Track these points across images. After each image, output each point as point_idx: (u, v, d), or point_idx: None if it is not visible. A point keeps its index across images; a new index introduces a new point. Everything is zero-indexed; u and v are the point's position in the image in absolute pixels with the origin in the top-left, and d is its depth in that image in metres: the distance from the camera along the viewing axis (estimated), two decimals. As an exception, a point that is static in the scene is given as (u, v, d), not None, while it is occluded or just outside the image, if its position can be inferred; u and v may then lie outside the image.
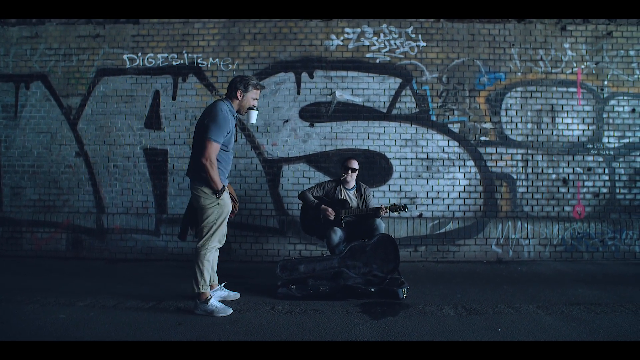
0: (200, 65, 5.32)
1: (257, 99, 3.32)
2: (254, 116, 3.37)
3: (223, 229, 3.26)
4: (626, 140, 5.33)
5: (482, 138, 5.27)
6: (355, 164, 4.27)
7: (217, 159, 3.11)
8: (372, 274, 3.92)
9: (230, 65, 5.32)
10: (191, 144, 5.18)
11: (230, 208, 3.29)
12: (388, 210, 4.08)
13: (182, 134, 5.30)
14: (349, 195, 4.34)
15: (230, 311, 3.17)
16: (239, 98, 3.24)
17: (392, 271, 3.95)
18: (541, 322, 3.01)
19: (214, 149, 3.04)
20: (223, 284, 3.59)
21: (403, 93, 5.28)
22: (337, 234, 4.07)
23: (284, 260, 3.93)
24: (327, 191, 4.35)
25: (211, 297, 3.19)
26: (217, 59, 5.33)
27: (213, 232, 3.18)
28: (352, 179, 4.32)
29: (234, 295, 3.56)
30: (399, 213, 4.28)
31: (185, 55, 5.33)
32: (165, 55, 5.33)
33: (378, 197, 5.20)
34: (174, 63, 5.33)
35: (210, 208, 3.15)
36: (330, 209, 4.16)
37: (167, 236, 5.20)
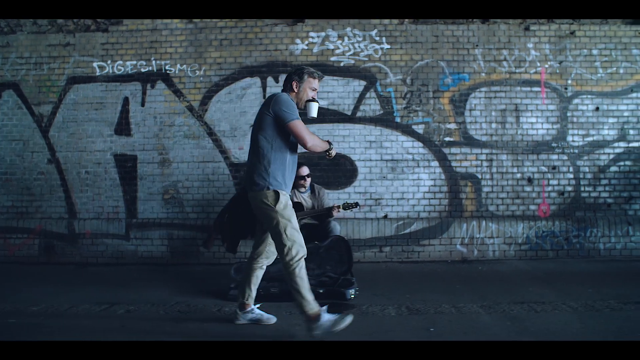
0: (168, 71, 5.42)
1: (316, 89, 2.94)
2: (314, 109, 2.90)
3: (297, 228, 2.82)
4: (590, 139, 5.36)
5: (447, 138, 5.32)
6: (305, 171, 4.36)
7: (276, 161, 2.77)
8: (325, 275, 3.99)
9: (197, 72, 5.41)
10: (160, 149, 5.38)
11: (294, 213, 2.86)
12: (341, 209, 4.17)
13: (151, 140, 5.40)
14: (304, 197, 4.42)
15: (350, 319, 2.67)
16: (295, 90, 2.88)
17: (346, 272, 4.01)
18: (477, 322, 3.06)
19: (300, 126, 2.71)
20: (258, 305, 3.14)
21: (367, 95, 5.34)
22: (292, 237, 4.13)
23: (239, 263, 4.02)
24: (284, 194, 4.42)
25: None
26: (185, 66, 5.42)
27: (291, 239, 2.73)
28: (308, 184, 4.41)
29: (268, 319, 3.07)
30: (351, 210, 4.35)
31: (154, 62, 5.43)
32: (134, 62, 5.43)
33: (344, 198, 5.27)
34: (142, 70, 5.43)
35: (274, 214, 2.73)
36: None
37: (137, 240, 5.30)
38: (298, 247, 2.73)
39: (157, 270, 4.92)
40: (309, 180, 4.42)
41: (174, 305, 3.55)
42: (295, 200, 4.38)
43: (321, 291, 3.66)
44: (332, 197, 5.27)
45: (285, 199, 2.78)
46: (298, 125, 2.72)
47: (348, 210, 4.29)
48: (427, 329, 2.92)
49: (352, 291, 3.66)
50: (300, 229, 4.17)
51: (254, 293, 3.09)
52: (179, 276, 4.61)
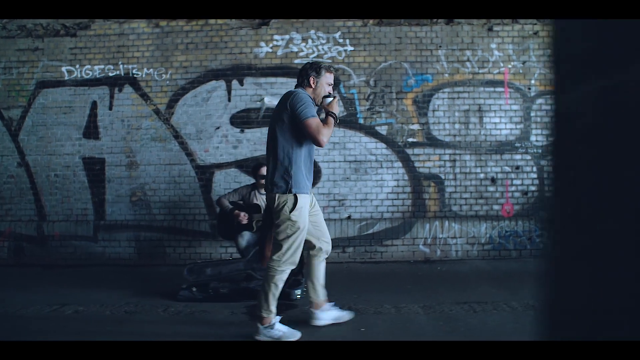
0: (135, 75, 5.49)
1: (331, 84, 2.90)
2: (335, 105, 2.87)
3: (301, 244, 2.84)
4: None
5: (410, 139, 5.35)
6: (265, 170, 4.40)
7: (297, 161, 2.75)
8: (278, 276, 4.04)
9: (164, 75, 5.48)
10: (128, 152, 5.45)
11: (307, 222, 2.85)
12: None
13: (118, 143, 5.47)
14: (264, 199, 4.46)
15: (299, 335, 2.79)
16: (313, 85, 2.83)
17: (297, 273, 4.06)
18: (411, 322, 3.11)
19: (315, 124, 2.64)
20: (333, 303, 3.13)
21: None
22: (244, 238, 4.20)
23: (192, 264, 4.08)
24: (242, 196, 4.49)
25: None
26: (152, 69, 5.49)
27: (288, 248, 2.75)
28: (266, 183, 4.45)
29: (349, 315, 3.09)
30: None
31: (121, 66, 5.51)
32: (102, 66, 5.51)
33: (307, 199, 5.32)
34: (110, 74, 5.51)
35: (286, 221, 2.73)
36: (242, 214, 4.30)
37: (104, 242, 5.38)
38: (293, 259, 2.77)
39: (122, 271, 4.99)
40: None
41: (123, 306, 3.62)
42: (255, 201, 4.44)
43: (268, 292, 3.72)
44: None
45: (303, 202, 2.76)
46: (313, 123, 2.64)
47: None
48: (359, 329, 2.97)
49: (298, 291, 3.71)
50: (257, 230, 4.26)
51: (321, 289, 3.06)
52: (140, 277, 4.68)
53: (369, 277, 4.54)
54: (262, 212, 4.38)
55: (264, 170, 4.37)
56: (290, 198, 2.72)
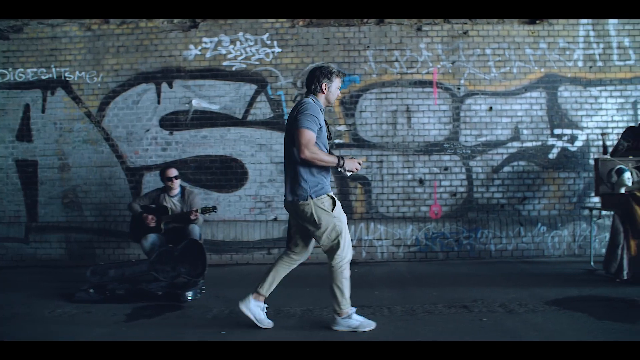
0: (67, 78, 5.55)
1: (339, 87, 3.00)
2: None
3: (349, 236, 2.94)
4: (483, 139, 5.31)
5: (337, 140, 5.33)
6: (172, 172, 4.44)
7: (312, 168, 2.79)
8: (180, 277, 4.06)
9: (95, 78, 5.53)
10: (60, 155, 5.51)
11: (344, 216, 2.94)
12: (199, 213, 4.25)
13: (51, 145, 5.53)
14: (173, 201, 4.49)
15: (374, 325, 2.92)
16: (325, 91, 2.90)
17: (200, 275, 4.08)
18: (285, 324, 3.11)
19: (307, 135, 2.68)
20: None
21: (258, 99, 5.39)
22: (149, 240, 4.23)
23: (95, 265, 4.12)
24: (153, 199, 4.51)
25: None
26: (84, 72, 5.54)
27: (343, 242, 2.86)
28: (176, 186, 4.48)
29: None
30: (209, 214, 4.40)
31: (54, 69, 5.57)
32: (35, 70, 5.57)
33: (234, 201, 5.33)
34: (43, 77, 5.57)
35: (327, 218, 2.81)
36: (150, 217, 4.33)
37: (36, 243, 5.44)
38: (350, 249, 2.92)
39: (48, 272, 5.04)
40: (177, 182, 4.49)
41: (16, 306, 3.65)
42: (165, 204, 4.46)
43: (160, 293, 3.75)
44: (224, 200, 5.35)
45: (336, 199, 2.88)
46: (305, 134, 2.68)
47: (207, 214, 4.36)
48: (219, 332, 2.97)
49: (190, 293, 3.72)
50: (165, 232, 4.29)
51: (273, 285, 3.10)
52: (60, 278, 4.69)
53: (283, 279, 4.51)
54: (170, 213, 4.40)
55: (170, 173, 4.41)
56: (326, 199, 2.83)
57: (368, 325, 2.92)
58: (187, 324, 3.18)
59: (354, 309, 2.96)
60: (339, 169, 2.83)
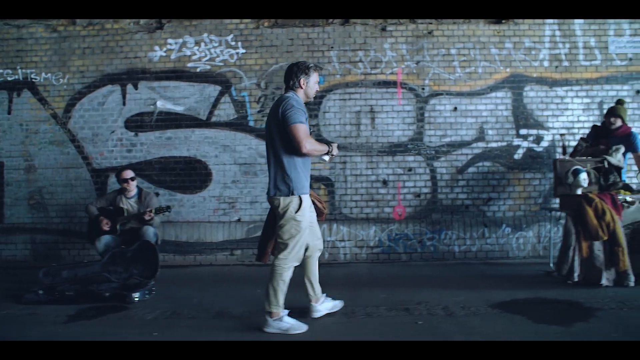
0: (33, 80, 5.56)
1: (317, 82, 3.02)
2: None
3: (306, 241, 3.00)
4: (448, 139, 5.29)
5: (301, 142, 5.31)
6: (128, 174, 4.44)
7: (296, 164, 2.85)
8: (132, 278, 4.06)
9: (61, 80, 5.54)
10: (26, 156, 5.53)
11: (309, 219, 3.00)
12: (153, 213, 4.25)
13: (17, 147, 5.55)
14: (130, 203, 4.49)
15: (306, 327, 2.93)
16: (303, 86, 2.93)
17: (152, 276, 4.07)
18: (208, 323, 3.11)
19: (302, 130, 2.74)
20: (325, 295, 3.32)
21: (222, 100, 5.38)
22: (102, 242, 4.23)
23: (48, 266, 4.11)
24: (110, 201, 4.52)
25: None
26: (50, 74, 5.56)
27: (292, 246, 2.89)
28: (132, 187, 4.48)
29: (340, 304, 3.33)
30: (163, 214, 4.40)
31: (20, 70, 5.58)
32: (1, 71, 5.59)
33: (198, 202, 5.33)
34: (9, 79, 5.58)
35: (291, 221, 2.86)
36: (105, 220, 4.33)
37: (1, 245, 5.46)
38: (298, 256, 2.95)
39: (10, 274, 5.04)
40: (133, 183, 4.49)
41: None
42: (121, 205, 4.46)
43: (107, 294, 3.74)
44: (188, 202, 5.35)
45: (307, 203, 2.92)
46: (300, 129, 2.73)
47: (161, 214, 4.36)
48: (152, 333, 2.96)
49: (137, 295, 3.71)
50: (120, 234, 4.29)
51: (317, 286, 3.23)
52: (19, 279, 4.69)
53: (234, 279, 4.50)
54: (126, 214, 4.40)
55: (125, 175, 4.41)
56: (294, 200, 2.85)
57: (299, 327, 2.91)
58: (124, 324, 3.18)
59: (286, 311, 2.96)
60: (327, 155, 2.92)
